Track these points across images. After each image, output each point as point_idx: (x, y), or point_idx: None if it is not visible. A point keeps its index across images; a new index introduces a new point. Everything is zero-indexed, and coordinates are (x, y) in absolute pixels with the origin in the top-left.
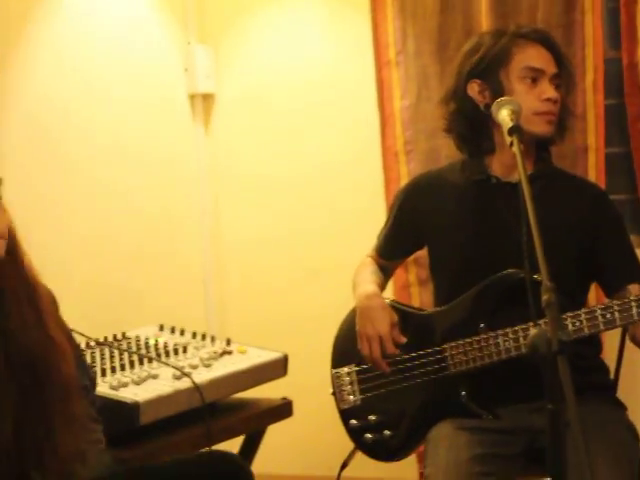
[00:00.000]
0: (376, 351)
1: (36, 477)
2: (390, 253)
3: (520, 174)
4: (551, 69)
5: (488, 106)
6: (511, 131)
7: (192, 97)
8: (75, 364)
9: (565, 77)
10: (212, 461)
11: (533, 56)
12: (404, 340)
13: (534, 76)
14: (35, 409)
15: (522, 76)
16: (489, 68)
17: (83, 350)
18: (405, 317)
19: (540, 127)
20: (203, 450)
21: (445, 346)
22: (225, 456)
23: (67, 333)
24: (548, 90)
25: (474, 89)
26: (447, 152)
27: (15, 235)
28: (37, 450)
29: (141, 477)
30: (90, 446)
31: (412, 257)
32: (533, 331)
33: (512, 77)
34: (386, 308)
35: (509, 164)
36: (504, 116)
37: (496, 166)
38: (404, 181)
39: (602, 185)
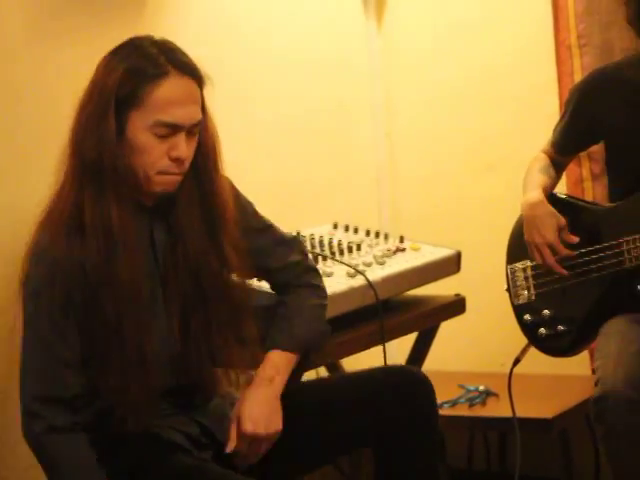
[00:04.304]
0: (549, 258)
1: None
2: (566, 148)
3: None
4: None
5: None
6: None
7: None
8: (247, 284)
9: None
10: (394, 375)
11: None
12: (576, 240)
13: None
14: (201, 320)
15: None
16: None
17: None
18: (581, 212)
19: None
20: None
21: (622, 240)
22: (406, 370)
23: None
24: None
25: None
26: (621, 45)
27: (213, 150)
28: (201, 358)
29: (318, 390)
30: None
31: (586, 152)
32: None
33: None
34: (551, 214)
35: None
36: None
37: None
38: (577, 75)
39: None
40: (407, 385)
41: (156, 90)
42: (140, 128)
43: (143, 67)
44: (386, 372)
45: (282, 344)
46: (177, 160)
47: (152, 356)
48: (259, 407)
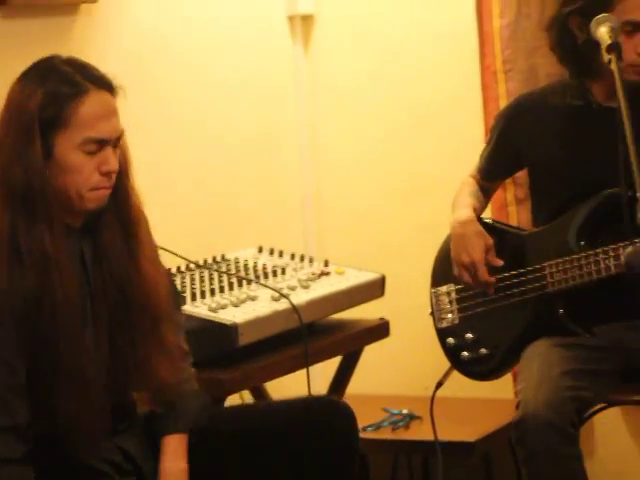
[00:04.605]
0: (475, 277)
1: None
2: (492, 174)
3: (618, 89)
4: None
5: (586, 42)
6: (609, 48)
7: (291, 19)
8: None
9: None
10: (316, 407)
11: (636, 6)
12: (500, 263)
13: (633, 29)
14: (125, 332)
15: (621, 27)
16: (591, 11)
17: (183, 272)
18: (505, 237)
19: (631, 76)
20: (305, 396)
21: (545, 264)
22: (327, 401)
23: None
24: None
25: (574, 24)
26: (546, 70)
27: (126, 167)
28: (128, 371)
29: (240, 419)
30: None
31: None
32: (628, 249)
33: None
34: (480, 234)
35: (611, 89)
36: (602, 33)
37: (597, 90)
38: (503, 100)
39: None
40: (329, 418)
41: (80, 108)
42: (69, 148)
43: (62, 88)
44: (309, 403)
45: (175, 429)
46: (107, 174)
47: (93, 376)
48: None
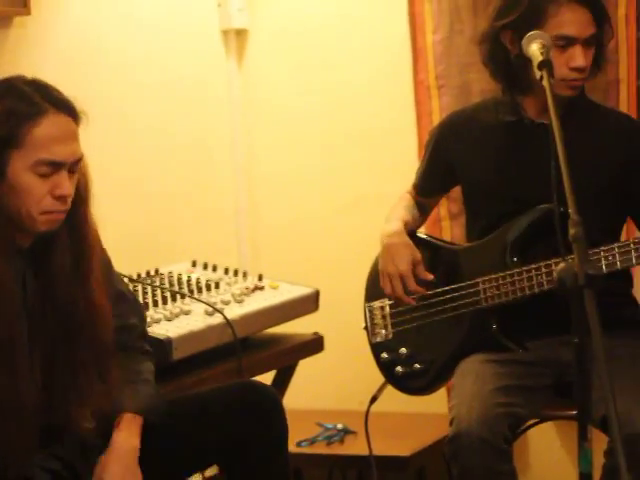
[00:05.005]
0: (398, 289)
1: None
2: (426, 190)
3: (549, 106)
4: (586, 32)
5: (518, 56)
6: (541, 65)
7: (225, 33)
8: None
9: (604, 30)
10: (243, 391)
11: (568, 21)
12: (430, 277)
13: (565, 43)
14: (63, 364)
15: (553, 42)
16: (523, 26)
17: None
18: (439, 251)
19: (563, 91)
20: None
21: (478, 280)
22: (255, 386)
23: (116, 292)
24: (578, 58)
25: (506, 38)
26: (479, 87)
27: (86, 193)
28: (64, 404)
29: (173, 407)
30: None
31: None
32: (560, 265)
33: None
34: (408, 246)
35: (543, 104)
36: (534, 50)
37: (530, 106)
38: (436, 116)
39: None
40: (258, 400)
41: (35, 129)
42: (21, 168)
43: (19, 107)
44: (236, 387)
45: (132, 408)
46: (61, 198)
47: (26, 398)
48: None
